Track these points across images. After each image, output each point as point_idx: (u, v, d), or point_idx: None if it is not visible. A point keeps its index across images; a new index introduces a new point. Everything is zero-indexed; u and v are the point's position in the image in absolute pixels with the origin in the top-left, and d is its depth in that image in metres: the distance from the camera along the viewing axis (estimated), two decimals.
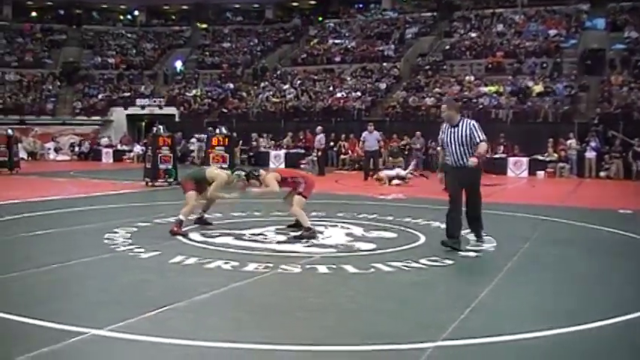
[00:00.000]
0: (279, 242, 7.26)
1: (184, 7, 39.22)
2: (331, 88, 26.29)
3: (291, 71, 29.27)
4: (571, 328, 4.22)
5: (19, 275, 5.52)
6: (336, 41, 30.74)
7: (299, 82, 27.59)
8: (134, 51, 35.03)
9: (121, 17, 39.74)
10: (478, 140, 6.79)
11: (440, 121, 7.25)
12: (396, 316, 4.53)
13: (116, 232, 7.66)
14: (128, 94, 30.38)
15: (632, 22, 24.91)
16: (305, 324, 4.36)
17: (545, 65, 24.13)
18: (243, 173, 8.03)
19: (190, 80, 31.12)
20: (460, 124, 6.90)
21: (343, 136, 22.53)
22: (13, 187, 14.10)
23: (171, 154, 15.11)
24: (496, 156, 19.98)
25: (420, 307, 4.85)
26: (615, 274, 6.09)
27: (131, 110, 29.19)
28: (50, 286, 5.25)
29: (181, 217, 7.66)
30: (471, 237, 7.29)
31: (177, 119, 27.19)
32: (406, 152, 19.99)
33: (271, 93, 27.13)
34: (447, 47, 27.35)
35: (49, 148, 27.86)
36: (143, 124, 29.01)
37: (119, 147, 27.11)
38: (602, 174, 18.45)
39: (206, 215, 8.44)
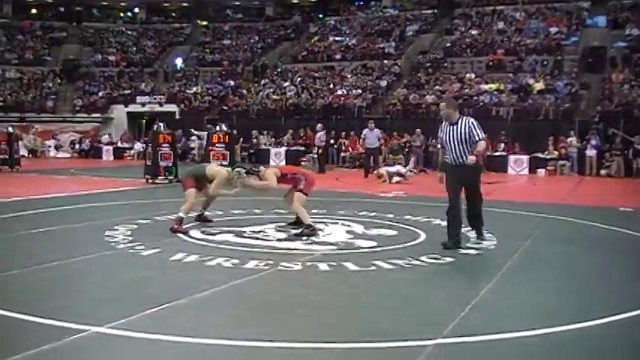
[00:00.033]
0: (279, 240, 7.25)
1: (184, 4, 39.19)
2: (332, 86, 26.28)
3: (291, 68, 29.26)
4: (572, 326, 4.21)
5: (20, 273, 5.52)
6: (337, 38, 30.72)
7: (299, 79, 27.58)
8: (134, 48, 35.01)
9: (121, 14, 39.69)
10: (477, 139, 6.76)
11: (440, 119, 7.22)
12: (396, 314, 4.53)
13: (117, 230, 7.66)
14: (128, 91, 30.38)
15: (633, 20, 24.86)
16: (305, 321, 4.37)
17: (545, 63, 24.10)
18: (244, 170, 8.02)
19: (191, 77, 31.10)
20: (459, 122, 6.86)
21: (344, 133, 22.52)
22: (14, 185, 14.10)
23: (172, 152, 15.12)
24: (497, 154, 19.98)
25: (420, 305, 4.85)
26: (616, 271, 6.09)
27: (131, 108, 29.20)
28: (51, 283, 5.26)
29: (181, 214, 7.66)
30: (472, 235, 7.29)
31: (177, 117, 27.17)
32: (406, 150, 19.98)
33: (272, 90, 27.12)
34: (448, 45, 27.32)
35: (50, 146, 27.88)
36: (143, 121, 29.02)
37: (119, 144, 27.13)
38: (602, 172, 18.44)
39: (206, 212, 8.44)
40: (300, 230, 7.51)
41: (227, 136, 15.37)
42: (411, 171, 16.28)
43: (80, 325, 4.01)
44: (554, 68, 23.62)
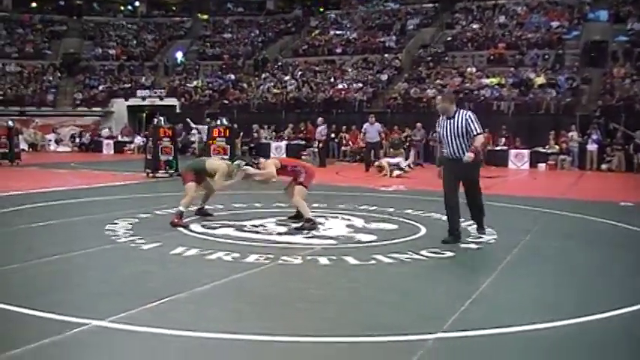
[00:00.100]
0: (279, 233, 7.26)
1: None
2: (332, 80, 26.22)
3: (292, 62, 29.20)
4: (572, 321, 4.22)
5: (20, 266, 5.53)
6: (338, 32, 30.64)
7: (300, 73, 27.53)
8: (135, 42, 34.92)
9: (122, 8, 39.59)
10: (474, 132, 6.66)
11: (439, 113, 7.16)
12: (396, 308, 4.54)
13: (117, 224, 7.67)
14: (129, 85, 30.31)
15: (635, 14, 24.76)
16: (306, 315, 4.37)
17: (547, 57, 24.03)
18: (244, 163, 8.03)
19: (191, 71, 31.04)
20: (456, 116, 6.76)
21: (344, 127, 22.49)
22: (14, 179, 14.10)
23: (172, 146, 15.11)
24: (497, 148, 19.96)
25: (420, 299, 4.85)
26: (616, 266, 6.09)
27: (132, 101, 29.13)
28: (51, 277, 5.26)
29: (181, 208, 7.66)
30: (472, 229, 7.29)
31: (178, 110, 27.14)
32: (407, 144, 19.97)
33: (272, 84, 27.07)
34: (449, 39, 27.25)
35: (50, 140, 27.83)
36: (144, 115, 28.97)
37: (120, 138, 27.09)
38: (603, 166, 18.41)
39: (206, 206, 8.44)
40: (300, 224, 7.51)
41: (227, 130, 15.35)
42: (409, 166, 16.28)
43: (81, 319, 4.02)
44: (555, 62, 23.55)
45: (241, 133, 22.38)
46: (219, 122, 15.75)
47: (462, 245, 6.68)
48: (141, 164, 15.69)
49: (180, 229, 7.39)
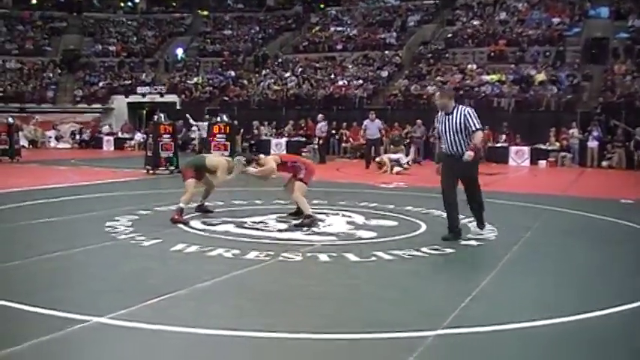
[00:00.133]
0: (280, 230, 7.26)
1: None
2: (333, 76, 26.21)
3: (292, 59, 29.17)
4: (572, 317, 4.22)
5: (21, 263, 5.53)
6: (338, 29, 30.59)
7: (300, 69, 27.50)
8: (135, 38, 34.87)
9: (122, 4, 39.53)
10: (474, 128, 6.59)
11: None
12: (396, 305, 4.54)
13: (117, 220, 7.67)
14: (129, 81, 30.29)
15: (636, 11, 24.70)
16: (306, 312, 4.37)
17: (548, 54, 24.00)
18: (244, 159, 8.03)
19: (191, 68, 31.01)
20: (454, 112, 6.70)
21: (345, 124, 22.48)
22: (15, 176, 14.10)
23: (173, 142, 15.11)
24: (498, 145, 19.95)
25: (420, 296, 4.86)
26: (617, 263, 6.10)
27: (132, 98, 29.13)
28: (52, 274, 5.26)
29: (181, 204, 7.67)
30: (472, 225, 7.29)
31: (178, 107, 27.12)
32: (407, 140, 19.96)
33: (272, 81, 27.05)
34: (450, 35, 27.20)
35: (50, 136, 27.82)
36: (144, 112, 28.96)
37: (120, 135, 27.09)
38: (604, 163, 18.41)
39: (206, 203, 8.44)
40: (300, 220, 7.51)
41: (228, 127, 15.35)
42: (408, 162, 16.29)
43: (81, 316, 4.02)
44: (556, 59, 23.53)
45: (241, 130, 22.38)
46: (219, 119, 15.74)
47: (462, 242, 6.68)
48: (141, 161, 15.69)
49: (181, 225, 7.40)
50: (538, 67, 22.93)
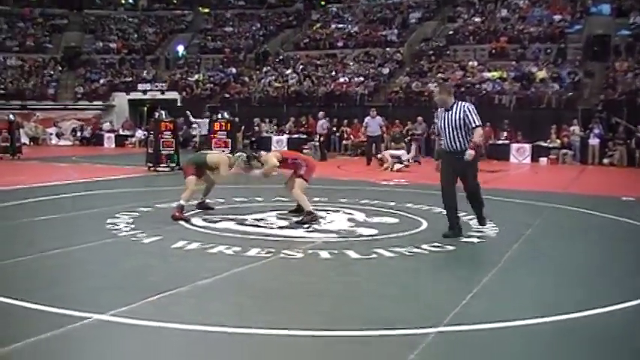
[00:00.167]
0: (281, 227, 7.26)
1: None
2: (334, 73, 26.17)
3: (293, 56, 29.13)
4: (573, 315, 4.22)
5: (22, 260, 5.53)
6: (339, 26, 30.54)
7: (301, 66, 27.47)
8: (136, 35, 34.84)
9: (123, 1, 39.43)
10: (474, 125, 6.52)
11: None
12: (397, 302, 4.54)
13: (118, 217, 7.67)
14: (130, 79, 30.28)
15: (638, 8, 24.60)
16: (307, 309, 4.37)
17: (549, 51, 23.96)
18: (245, 156, 8.03)
19: (192, 65, 30.98)
20: (454, 108, 6.64)
21: (345, 121, 22.46)
22: (16, 173, 14.10)
23: (173, 139, 15.10)
24: (499, 142, 19.93)
25: (421, 293, 4.85)
26: (618, 261, 6.09)
27: (133, 95, 29.12)
28: (52, 271, 5.26)
29: (182, 202, 7.67)
30: (473, 223, 7.28)
31: (179, 104, 27.11)
32: (408, 138, 19.95)
33: (273, 78, 27.02)
34: (451, 32, 27.16)
35: (51, 134, 27.81)
36: (145, 109, 28.95)
37: (121, 132, 27.08)
38: (605, 161, 18.38)
39: (207, 200, 8.44)
40: (300, 217, 7.51)
41: (229, 124, 15.35)
42: (409, 160, 16.28)
43: (82, 313, 4.02)
44: (557, 56, 23.48)
45: (242, 127, 22.36)
46: (220, 116, 15.73)
47: (463, 239, 6.68)
48: (142, 158, 15.69)
49: (182, 222, 7.40)
50: (539, 64, 22.88)
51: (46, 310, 4.10)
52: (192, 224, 7.35)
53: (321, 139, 19.52)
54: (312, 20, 32.65)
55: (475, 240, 6.73)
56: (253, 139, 23.21)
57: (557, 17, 25.90)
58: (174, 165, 14.59)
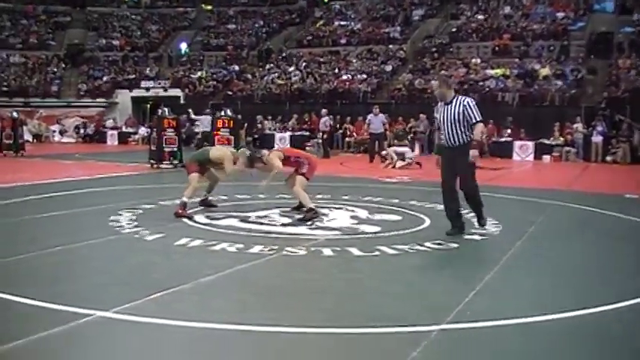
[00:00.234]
0: (284, 225, 7.26)
1: None
2: (337, 71, 26.16)
3: (296, 53, 29.11)
4: (576, 312, 4.21)
5: (25, 257, 5.54)
6: (342, 23, 30.52)
7: (304, 64, 27.45)
8: (139, 33, 34.85)
9: None
10: (474, 120, 6.46)
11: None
12: (400, 299, 4.53)
13: (121, 214, 7.68)
14: (133, 76, 30.30)
15: None
16: (310, 306, 4.37)
17: (552, 48, 23.90)
18: (248, 152, 8.04)
19: (195, 62, 31.00)
20: (454, 102, 6.57)
21: (348, 118, 22.45)
22: (19, 170, 14.13)
23: (176, 137, 15.11)
24: (502, 139, 19.90)
25: (424, 290, 4.85)
26: (620, 259, 6.07)
27: (136, 92, 29.14)
28: (55, 268, 5.27)
29: (184, 199, 7.67)
30: (476, 220, 7.26)
31: (182, 101, 27.13)
32: (411, 135, 19.92)
33: (276, 75, 27.01)
34: (454, 29, 27.10)
35: (54, 131, 27.85)
36: (148, 106, 28.96)
37: (124, 129, 27.10)
38: (608, 158, 18.33)
39: (210, 197, 8.45)
40: (302, 215, 7.51)
41: (232, 121, 15.34)
42: (411, 159, 16.27)
43: (85, 310, 4.02)
44: (560, 54, 23.41)
45: (245, 124, 22.35)
46: (223, 113, 15.73)
47: (466, 237, 6.67)
48: (145, 155, 15.70)
49: (185, 220, 7.40)
50: (542, 61, 22.83)
51: (49, 307, 4.11)
52: (195, 221, 7.36)
53: (324, 136, 19.51)
54: (315, 17, 32.63)
55: (478, 237, 6.72)
56: (256, 136, 23.21)
57: (560, 14, 25.83)
58: (177, 162, 14.61)
